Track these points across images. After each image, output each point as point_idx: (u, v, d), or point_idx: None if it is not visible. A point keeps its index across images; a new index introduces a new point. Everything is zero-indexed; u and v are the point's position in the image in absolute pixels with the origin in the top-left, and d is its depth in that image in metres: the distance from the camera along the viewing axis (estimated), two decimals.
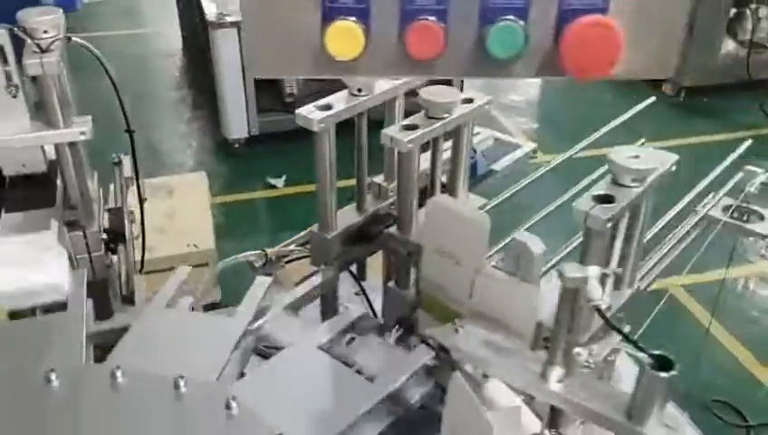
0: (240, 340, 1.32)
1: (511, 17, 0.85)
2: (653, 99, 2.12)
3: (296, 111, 1.45)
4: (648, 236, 1.68)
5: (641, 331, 1.40)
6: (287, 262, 1.63)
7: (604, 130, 1.91)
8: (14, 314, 1.37)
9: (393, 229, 1.53)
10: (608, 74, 0.85)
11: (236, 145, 4.82)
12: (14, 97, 1.39)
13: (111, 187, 1.79)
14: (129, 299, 1.72)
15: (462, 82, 3.30)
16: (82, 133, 1.43)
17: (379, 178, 1.72)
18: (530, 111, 5.72)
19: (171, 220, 3.49)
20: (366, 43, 0.86)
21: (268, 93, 4.72)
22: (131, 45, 6.55)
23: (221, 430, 1.12)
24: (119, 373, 1.19)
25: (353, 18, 0.85)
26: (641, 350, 0.89)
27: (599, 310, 0.93)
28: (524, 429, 1.08)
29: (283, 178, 4.46)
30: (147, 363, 1.22)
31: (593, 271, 0.92)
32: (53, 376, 1.17)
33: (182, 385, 1.16)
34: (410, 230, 1.50)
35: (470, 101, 1.51)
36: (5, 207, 1.53)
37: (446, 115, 1.45)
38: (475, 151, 1.89)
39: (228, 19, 4.38)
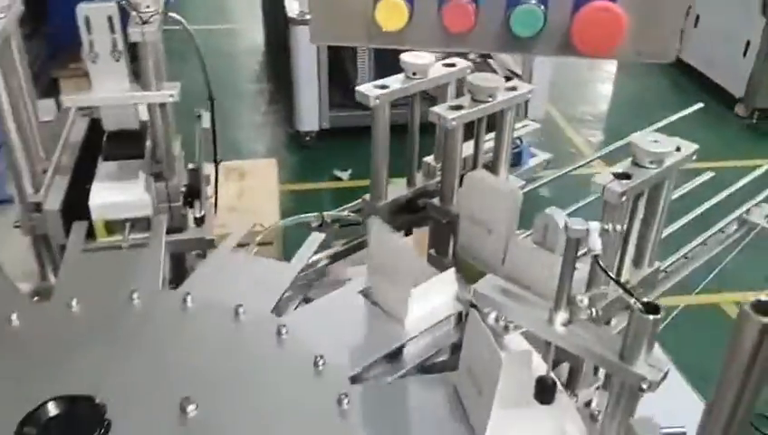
0: (293, 282, 1.51)
1: (533, 1, 1.00)
2: (700, 105, 2.21)
3: (356, 88, 1.64)
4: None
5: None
6: (340, 226, 1.81)
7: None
8: (108, 226, 1.61)
9: (436, 200, 1.69)
10: (612, 55, 0.99)
11: (308, 138, 5.06)
12: (117, 61, 1.63)
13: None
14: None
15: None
16: (171, 96, 1.66)
17: (429, 159, 1.89)
18: (598, 124, 5.77)
19: (240, 200, 3.74)
20: (409, 17, 1.03)
21: (340, 90, 4.95)
22: (218, 39, 6.94)
23: (272, 350, 1.30)
24: (188, 299, 1.40)
25: None
26: (631, 295, 1.02)
27: (596, 257, 1.06)
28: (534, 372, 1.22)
29: (349, 171, 4.68)
30: (212, 293, 1.42)
31: (594, 225, 1.06)
32: (135, 296, 1.39)
33: (241, 312, 1.36)
34: (451, 202, 1.66)
35: (513, 89, 1.66)
36: (104, 156, 1.78)
37: (490, 99, 1.60)
38: (521, 141, 2.03)
39: (308, 17, 4.63)
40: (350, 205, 1.85)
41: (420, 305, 1.37)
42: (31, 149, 1.72)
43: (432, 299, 1.40)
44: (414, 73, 1.68)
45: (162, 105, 1.68)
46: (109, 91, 1.64)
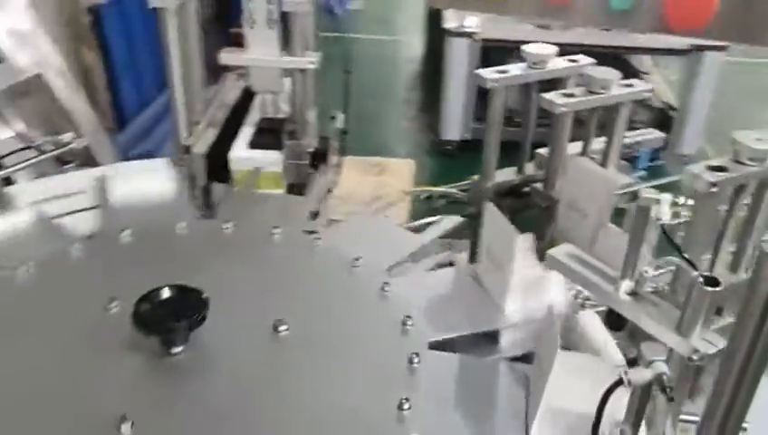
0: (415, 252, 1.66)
1: None
2: None
3: (475, 72, 1.75)
4: None
5: None
6: (447, 202, 1.92)
7: None
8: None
9: (539, 185, 1.76)
10: (704, 33, 1.03)
11: (449, 146, 5.20)
12: (271, 29, 1.85)
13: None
14: (314, 214, 2.12)
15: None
16: (311, 63, 1.86)
17: (543, 150, 1.95)
18: None
19: (376, 192, 3.94)
20: None
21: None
22: (380, 49, 7.30)
23: (370, 300, 1.43)
24: (317, 242, 1.57)
25: None
26: (693, 267, 1.05)
27: (662, 226, 1.10)
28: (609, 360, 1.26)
29: None
30: (340, 241, 1.58)
31: (665, 197, 1.10)
32: (277, 232, 1.58)
33: (358, 264, 1.50)
34: (554, 187, 1.72)
35: (630, 85, 1.69)
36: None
37: (603, 91, 1.65)
38: (639, 146, 2.04)
39: (465, 30, 4.81)
40: (459, 183, 1.96)
41: (522, 297, 1.43)
42: (190, 100, 1.98)
43: (537, 295, 1.45)
44: (534, 64, 1.77)
45: (303, 71, 1.89)
46: (260, 54, 1.87)
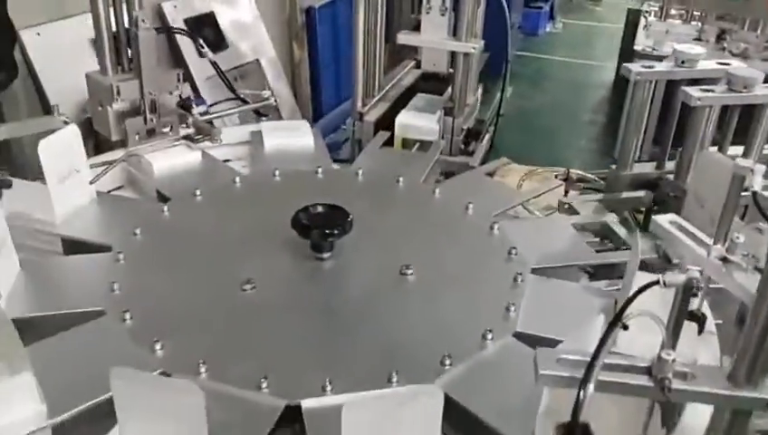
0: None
1: None
2: None
3: (623, 64, 1.88)
4: None
5: None
6: (584, 188, 2.06)
7: None
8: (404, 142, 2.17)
9: (671, 176, 1.85)
10: None
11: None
12: (443, 15, 2.11)
13: None
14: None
15: None
16: (474, 48, 2.09)
17: None
18: None
19: None
20: None
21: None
22: (574, 72, 7.37)
23: (479, 239, 1.65)
24: (437, 191, 1.81)
25: None
26: None
27: (754, 194, 1.18)
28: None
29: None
30: (453, 193, 1.81)
31: (760, 167, 1.18)
32: (400, 180, 1.84)
33: (469, 209, 1.72)
34: (685, 178, 1.81)
35: None
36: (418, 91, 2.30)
37: (744, 90, 1.71)
38: None
39: (653, 52, 4.78)
40: (598, 171, 2.08)
41: None
42: (369, 78, 2.30)
43: None
44: (682, 62, 1.86)
45: (466, 55, 2.12)
46: (431, 36, 2.14)
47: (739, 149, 1.82)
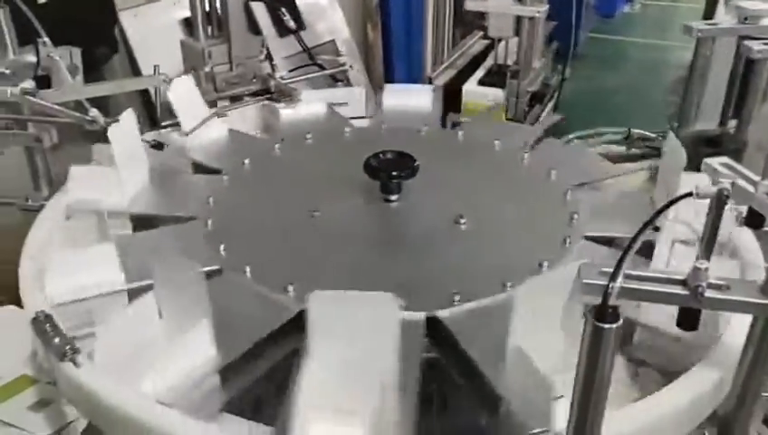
0: None
1: None
2: None
3: (684, 23, 1.93)
4: None
5: None
6: (646, 147, 2.12)
7: None
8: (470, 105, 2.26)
9: (731, 130, 1.90)
10: None
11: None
12: None
13: None
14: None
15: None
16: (538, 12, 2.18)
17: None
18: None
19: None
20: None
21: None
22: (651, 53, 7.26)
23: (557, 200, 1.73)
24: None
25: None
26: None
27: None
28: None
29: None
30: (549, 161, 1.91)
31: None
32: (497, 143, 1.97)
33: (552, 175, 1.83)
34: (745, 131, 1.86)
35: None
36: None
37: None
38: None
39: None
40: (659, 130, 2.14)
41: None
42: (437, 45, 2.43)
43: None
44: (746, 19, 1.90)
45: (531, 19, 2.22)
46: (497, 2, 2.24)
47: None
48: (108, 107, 2.69)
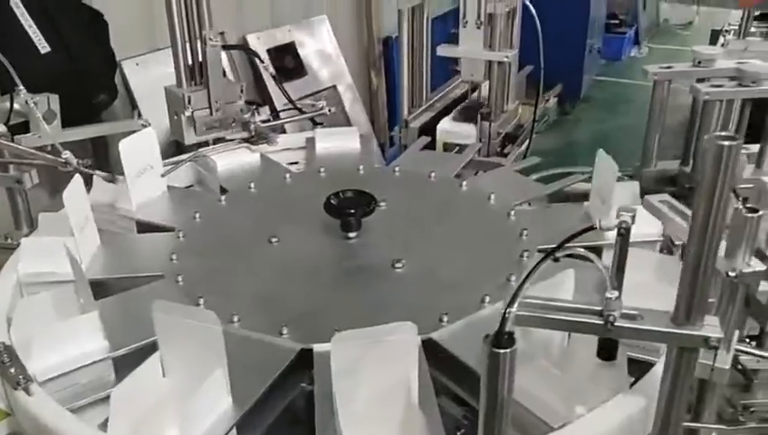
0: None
1: None
2: None
3: (644, 67, 2.00)
4: None
5: None
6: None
7: None
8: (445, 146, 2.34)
9: (688, 169, 1.95)
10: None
11: None
12: (479, 28, 2.31)
13: None
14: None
15: None
16: (506, 57, 2.27)
17: None
18: None
19: None
20: None
21: None
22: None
23: (503, 220, 1.82)
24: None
25: None
26: (737, 198, 1.24)
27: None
28: None
29: None
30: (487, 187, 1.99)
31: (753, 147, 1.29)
32: (433, 175, 2.04)
33: (493, 199, 1.90)
34: (701, 171, 1.90)
35: None
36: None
37: (753, 84, 1.80)
38: None
39: None
40: (625, 169, 2.19)
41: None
42: (415, 90, 2.52)
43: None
44: (699, 62, 1.97)
45: (500, 64, 2.31)
46: (468, 48, 2.34)
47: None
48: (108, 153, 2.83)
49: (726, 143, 1.01)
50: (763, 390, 1.50)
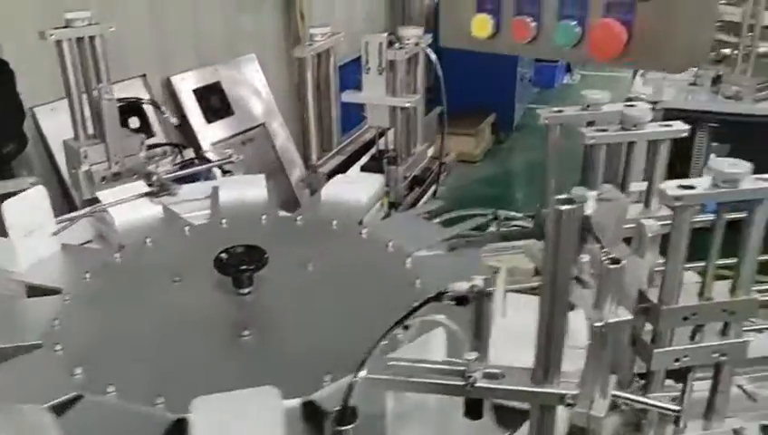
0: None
1: (572, 22, 1.37)
2: None
3: (538, 111, 2.04)
4: None
5: None
6: (513, 225, 2.20)
7: None
8: None
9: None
10: (619, 62, 1.28)
11: None
12: (380, 74, 2.33)
13: None
14: None
15: None
16: (409, 102, 2.29)
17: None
18: None
19: None
20: (492, 30, 1.48)
21: None
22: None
23: (398, 268, 1.82)
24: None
25: (488, 13, 1.49)
26: (602, 249, 1.27)
27: (587, 219, 1.33)
28: None
29: None
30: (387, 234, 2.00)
31: (591, 193, 1.33)
32: (335, 223, 2.04)
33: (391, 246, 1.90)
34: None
35: (667, 125, 1.87)
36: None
37: (634, 128, 1.85)
38: None
39: (642, 97, 4.93)
40: (525, 214, 2.23)
41: None
42: (324, 134, 2.52)
43: None
44: (588, 106, 2.01)
45: (404, 109, 2.33)
46: (371, 94, 2.35)
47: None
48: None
49: (565, 207, 1.04)
50: (654, 428, 1.53)
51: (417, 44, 2.32)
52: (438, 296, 1.09)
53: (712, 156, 5.50)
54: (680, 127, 1.88)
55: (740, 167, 1.49)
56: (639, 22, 1.26)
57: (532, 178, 6.04)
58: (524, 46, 1.43)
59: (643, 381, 1.56)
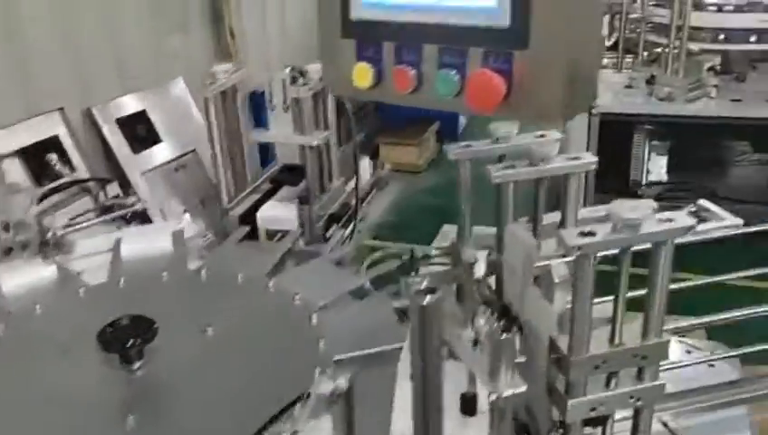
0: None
1: (452, 71, 1.28)
2: None
3: (444, 146, 1.96)
4: None
5: None
6: (430, 263, 2.11)
7: None
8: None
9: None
10: (496, 112, 1.20)
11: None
12: (286, 112, 2.23)
13: None
14: None
15: None
16: (322, 138, 2.19)
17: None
18: None
19: None
20: (374, 79, 1.38)
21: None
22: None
23: (302, 326, 1.72)
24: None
25: (368, 62, 1.39)
26: (493, 314, 1.19)
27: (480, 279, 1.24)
28: None
29: None
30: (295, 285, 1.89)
31: (481, 254, 1.24)
32: (240, 277, 1.92)
33: (297, 299, 1.80)
34: (502, 251, 1.86)
35: (576, 158, 1.80)
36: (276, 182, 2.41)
37: (542, 163, 1.78)
38: None
39: None
40: (443, 245, 2.14)
41: None
42: (236, 170, 2.41)
43: None
44: (497, 139, 1.93)
45: (312, 147, 2.23)
46: (278, 132, 2.25)
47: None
48: None
49: (426, 301, 0.95)
50: None
51: (321, 80, 2.22)
52: (299, 399, 0.99)
53: (652, 155, 5.56)
54: (589, 160, 1.81)
55: (641, 210, 1.42)
56: (518, 71, 1.18)
57: (477, 187, 5.98)
58: (407, 96, 1.34)
59: (561, 431, 1.48)
